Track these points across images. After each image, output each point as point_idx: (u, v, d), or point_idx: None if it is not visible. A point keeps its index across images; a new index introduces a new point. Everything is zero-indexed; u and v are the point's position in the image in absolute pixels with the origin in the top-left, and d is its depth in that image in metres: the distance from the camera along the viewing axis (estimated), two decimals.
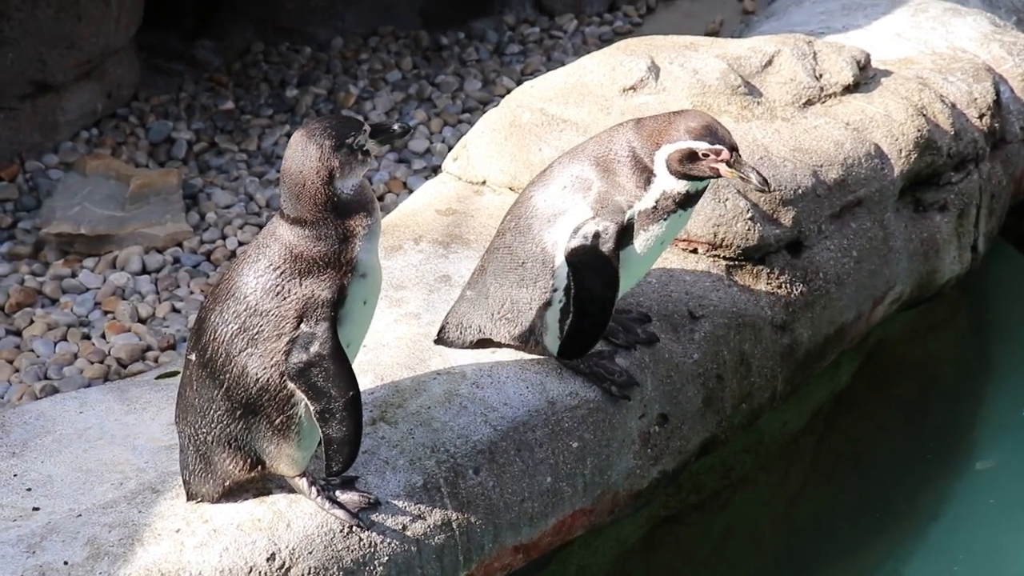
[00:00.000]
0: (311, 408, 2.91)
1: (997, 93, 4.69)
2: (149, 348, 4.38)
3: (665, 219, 3.28)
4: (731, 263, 3.86)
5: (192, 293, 4.66)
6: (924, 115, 4.37)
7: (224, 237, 4.98)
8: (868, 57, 4.53)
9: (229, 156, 5.53)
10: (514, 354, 3.42)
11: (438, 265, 3.76)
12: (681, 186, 3.24)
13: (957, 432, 4.55)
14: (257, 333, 2.88)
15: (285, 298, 2.88)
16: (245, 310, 2.88)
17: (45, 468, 3.21)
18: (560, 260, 3.31)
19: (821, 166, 4.06)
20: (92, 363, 4.32)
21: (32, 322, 4.55)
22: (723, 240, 3.82)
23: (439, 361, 3.37)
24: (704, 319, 3.67)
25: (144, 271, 4.78)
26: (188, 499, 3.05)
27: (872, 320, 4.31)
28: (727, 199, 3.83)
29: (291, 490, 3.04)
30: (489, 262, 3.44)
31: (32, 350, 4.42)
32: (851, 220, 4.14)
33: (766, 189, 3.22)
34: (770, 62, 4.37)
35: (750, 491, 4.21)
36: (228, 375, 2.90)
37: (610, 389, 3.41)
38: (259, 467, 3.01)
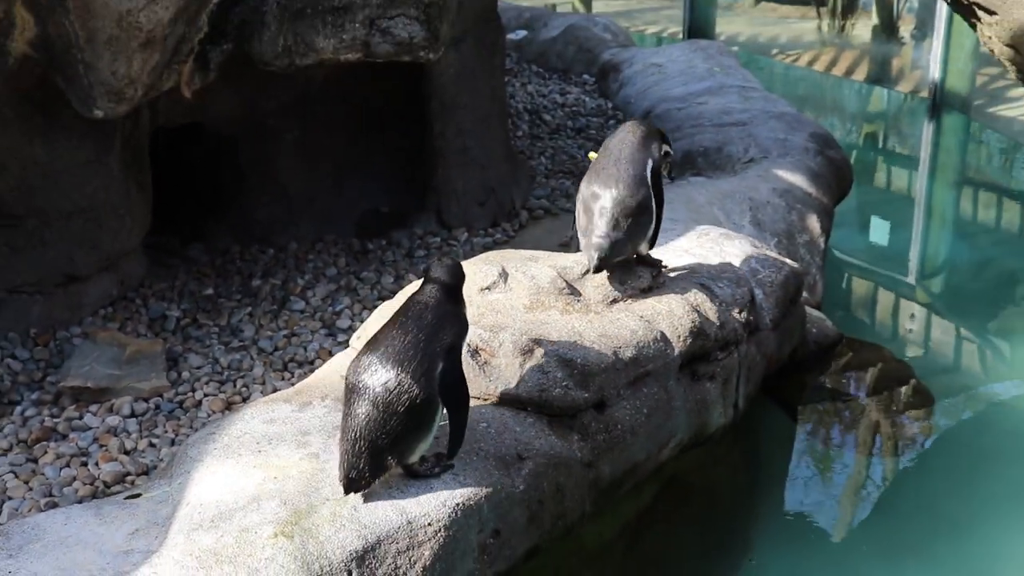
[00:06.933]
0: (447, 412, 3.36)
1: (752, 296, 4.77)
2: (128, 474, 4.28)
3: None
4: (551, 418, 3.86)
5: (166, 432, 4.58)
6: (698, 311, 4.43)
7: (194, 390, 4.91)
8: (662, 268, 4.61)
9: (206, 329, 5.48)
10: (387, 484, 3.35)
11: (337, 417, 3.70)
12: None
13: (735, 538, 4.56)
14: (426, 369, 3.28)
15: (435, 343, 3.32)
16: (416, 353, 3.29)
17: (33, 567, 3.13)
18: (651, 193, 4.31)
19: (620, 347, 4.09)
20: (85, 484, 4.22)
21: (46, 452, 4.45)
22: (546, 402, 3.83)
23: (329, 491, 3.31)
24: (529, 459, 3.65)
25: (132, 415, 4.70)
26: (346, 492, 3.27)
27: (660, 459, 4.29)
28: (549, 371, 3.86)
29: None
30: (615, 220, 4.28)
31: (43, 474, 4.32)
32: (643, 386, 4.16)
33: None
34: (588, 271, 4.43)
35: None
36: (408, 396, 3.25)
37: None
38: (398, 461, 3.33)
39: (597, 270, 4.31)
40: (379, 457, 3.26)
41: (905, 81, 13.51)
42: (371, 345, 3.35)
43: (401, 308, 3.46)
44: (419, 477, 3.39)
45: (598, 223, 4.28)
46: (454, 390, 3.37)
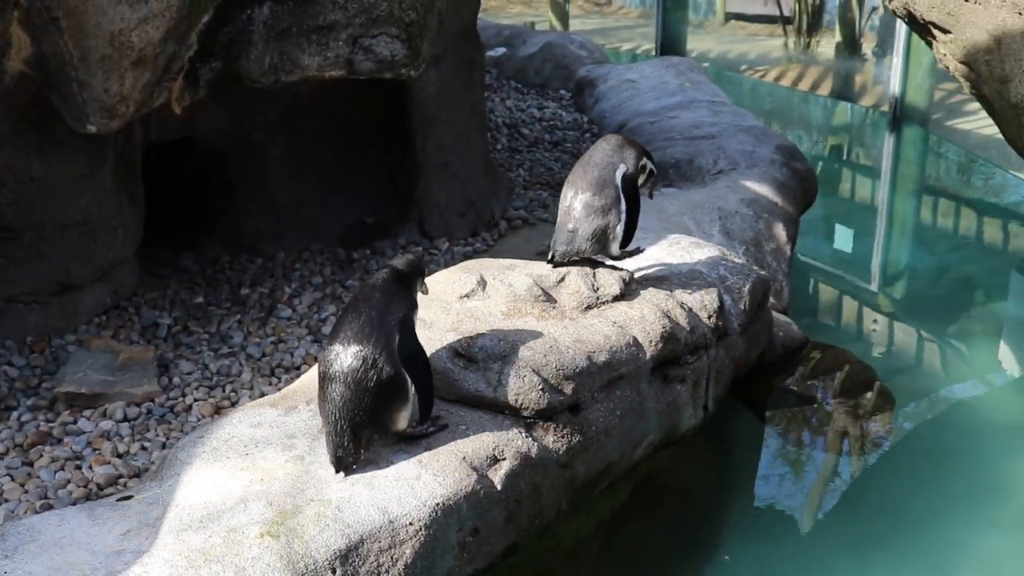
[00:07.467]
0: (411, 380, 3.40)
1: (721, 301, 4.78)
2: (121, 476, 4.25)
3: None
4: (528, 420, 3.85)
5: (157, 436, 4.54)
6: (668, 316, 4.43)
7: (184, 395, 4.87)
8: (632, 276, 4.60)
9: (196, 336, 5.45)
10: (370, 485, 3.35)
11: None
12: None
13: (707, 535, 4.56)
14: (385, 342, 3.34)
15: (388, 316, 3.38)
16: (372, 330, 3.34)
17: (28, 567, 3.10)
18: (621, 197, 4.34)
19: (594, 352, 4.08)
20: (79, 487, 4.18)
21: (41, 456, 4.41)
22: (522, 405, 3.82)
23: (314, 492, 3.30)
24: (506, 460, 3.64)
25: (125, 419, 4.66)
26: (337, 471, 3.34)
27: (633, 459, 4.29)
28: (525, 376, 3.85)
29: None
30: (576, 218, 4.36)
31: (39, 477, 4.28)
32: (616, 389, 4.15)
33: None
34: (563, 279, 4.41)
35: None
36: (374, 371, 3.31)
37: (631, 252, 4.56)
38: (385, 433, 3.42)
39: (555, 264, 4.43)
40: (361, 432, 3.34)
41: (867, 96, 13.57)
42: (333, 333, 3.42)
43: (354, 295, 3.54)
44: (414, 439, 3.49)
45: (562, 220, 4.41)
46: (414, 359, 3.45)
